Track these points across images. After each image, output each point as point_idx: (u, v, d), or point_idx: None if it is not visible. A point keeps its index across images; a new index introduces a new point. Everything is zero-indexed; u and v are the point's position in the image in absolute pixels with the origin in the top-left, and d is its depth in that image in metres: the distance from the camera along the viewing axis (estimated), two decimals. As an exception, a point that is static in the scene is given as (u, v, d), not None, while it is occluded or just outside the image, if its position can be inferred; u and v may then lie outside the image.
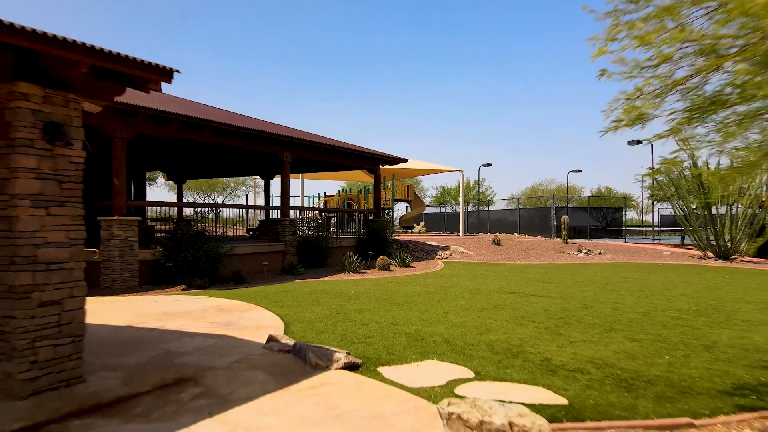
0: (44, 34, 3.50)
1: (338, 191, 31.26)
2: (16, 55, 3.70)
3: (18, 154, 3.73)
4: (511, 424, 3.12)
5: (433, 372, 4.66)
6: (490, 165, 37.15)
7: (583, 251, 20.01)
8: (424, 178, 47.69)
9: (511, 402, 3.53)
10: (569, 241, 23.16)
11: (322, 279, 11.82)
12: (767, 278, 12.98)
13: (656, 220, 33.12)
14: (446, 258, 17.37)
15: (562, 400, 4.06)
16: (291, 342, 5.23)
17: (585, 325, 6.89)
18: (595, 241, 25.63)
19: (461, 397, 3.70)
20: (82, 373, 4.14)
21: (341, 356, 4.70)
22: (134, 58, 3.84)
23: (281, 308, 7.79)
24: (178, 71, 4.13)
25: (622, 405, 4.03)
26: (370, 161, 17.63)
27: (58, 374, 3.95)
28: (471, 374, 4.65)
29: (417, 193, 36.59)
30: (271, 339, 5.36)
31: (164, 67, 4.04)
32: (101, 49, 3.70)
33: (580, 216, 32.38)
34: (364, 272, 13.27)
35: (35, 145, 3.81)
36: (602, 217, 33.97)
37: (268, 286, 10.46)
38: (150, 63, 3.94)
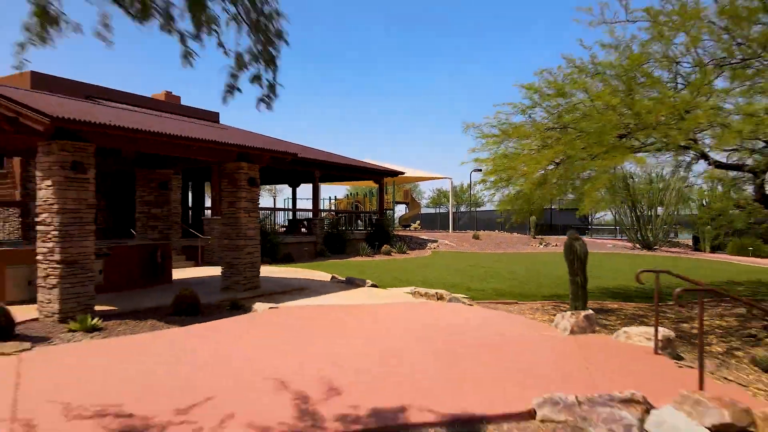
0: (253, 146, 8.85)
1: (346, 195, 36.61)
2: (240, 150, 9.09)
3: (240, 191, 9.12)
4: (437, 294, 8.52)
5: (413, 287, 10.05)
6: (480, 170, 42.48)
7: (543, 244, 25.38)
8: (422, 182, 52.95)
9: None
10: (536, 236, 28.51)
11: (344, 259, 17.18)
12: (657, 260, 18.35)
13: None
14: (434, 248, 22.72)
15: (468, 298, 9.44)
16: (343, 278, 10.63)
17: (501, 278, 12.28)
18: (562, 236, 30.96)
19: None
20: (258, 284, 9.55)
21: (369, 281, 10.11)
22: (288, 153, 9.22)
23: (328, 270, 13.17)
24: (296, 155, 9.48)
25: (494, 300, 9.41)
26: (377, 174, 22.98)
27: (251, 283, 9.35)
28: (435, 291, 10.04)
29: (414, 196, 41.93)
30: (333, 277, 10.77)
31: (296, 154, 9.41)
32: (276, 150, 9.06)
33: (565, 216, 37.87)
34: (373, 256, 18.62)
35: (245, 187, 9.20)
36: (584, 217, 39.31)
37: (312, 262, 15.85)
38: (293, 153, 9.30)
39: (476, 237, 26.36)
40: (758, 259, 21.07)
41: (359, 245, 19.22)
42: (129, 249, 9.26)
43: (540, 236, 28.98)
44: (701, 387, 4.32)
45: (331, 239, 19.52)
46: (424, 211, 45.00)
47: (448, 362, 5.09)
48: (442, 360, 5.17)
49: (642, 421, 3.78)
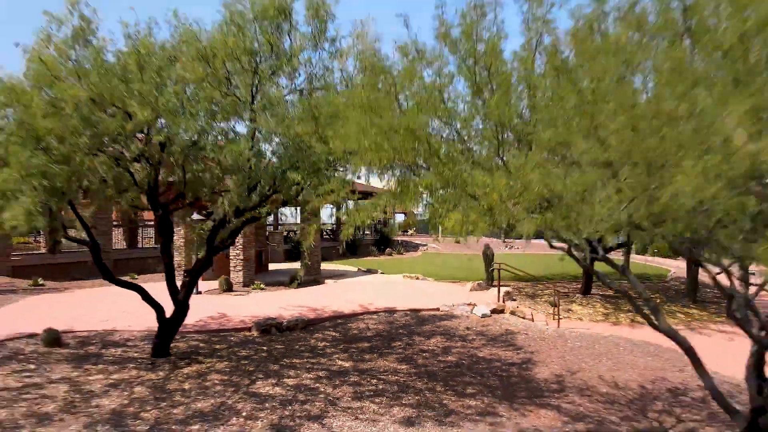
0: (321, 198, 16.84)
1: (356, 206, 44.57)
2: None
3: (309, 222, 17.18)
4: (417, 276, 16.52)
5: (403, 273, 18.07)
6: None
7: (508, 247, 33.30)
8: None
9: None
10: (506, 240, 36.45)
11: (360, 258, 25.14)
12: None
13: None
14: (424, 250, 30.68)
15: (433, 279, 17.46)
16: (365, 268, 18.67)
17: (458, 269, 20.28)
18: (531, 240, 38.81)
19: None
20: (320, 272, 17.57)
21: (379, 270, 18.15)
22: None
23: (353, 265, 21.16)
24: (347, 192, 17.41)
25: (447, 280, 17.41)
26: (381, 195, 30.92)
27: (317, 271, 17.38)
28: (415, 275, 18.05)
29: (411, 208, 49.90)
30: (359, 269, 18.81)
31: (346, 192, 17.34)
32: (331, 200, 17.01)
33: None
34: (379, 256, 26.59)
35: (316, 233, 17.23)
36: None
37: (339, 260, 23.85)
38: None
39: (457, 241, 34.28)
40: (661, 259, 29.08)
41: (369, 248, 27.19)
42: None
43: (509, 241, 36.88)
44: (498, 300, 12.32)
45: (350, 244, 27.51)
46: (420, 218, 53.00)
47: (413, 296, 13.10)
48: (411, 295, 13.19)
49: (472, 309, 11.75)
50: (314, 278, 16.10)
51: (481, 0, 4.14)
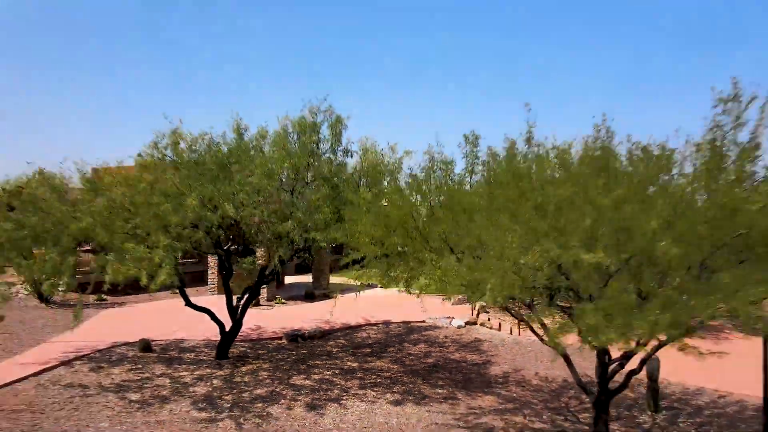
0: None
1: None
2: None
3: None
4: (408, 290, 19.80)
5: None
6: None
7: (497, 257, 36.62)
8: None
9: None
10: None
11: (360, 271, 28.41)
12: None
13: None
14: (420, 261, 33.99)
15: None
16: (367, 283, 21.96)
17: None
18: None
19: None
20: (328, 286, 20.82)
21: (378, 285, 21.42)
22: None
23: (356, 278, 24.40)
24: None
25: (435, 294, 20.68)
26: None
27: (325, 286, 20.63)
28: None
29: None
30: (361, 283, 22.08)
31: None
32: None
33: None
34: (379, 268, 29.86)
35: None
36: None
37: (343, 272, 27.07)
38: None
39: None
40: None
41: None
42: (271, 271, 20.53)
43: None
44: (473, 314, 15.58)
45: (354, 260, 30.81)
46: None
47: (405, 309, 16.36)
48: (403, 309, 16.45)
49: (450, 321, 14.99)
50: (323, 293, 19.37)
51: (437, 155, 7.45)
